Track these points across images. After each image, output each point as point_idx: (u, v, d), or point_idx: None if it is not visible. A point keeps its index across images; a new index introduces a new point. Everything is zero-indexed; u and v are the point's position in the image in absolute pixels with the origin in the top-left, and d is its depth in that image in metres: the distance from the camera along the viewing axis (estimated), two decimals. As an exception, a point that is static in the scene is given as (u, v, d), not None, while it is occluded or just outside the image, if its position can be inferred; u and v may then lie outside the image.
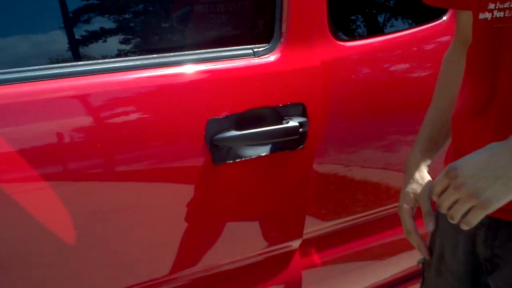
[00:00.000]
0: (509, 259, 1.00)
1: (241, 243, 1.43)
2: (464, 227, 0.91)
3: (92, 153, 1.13)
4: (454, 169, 0.90)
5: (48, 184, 1.09)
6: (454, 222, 0.93)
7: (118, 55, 1.25)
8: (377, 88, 1.50)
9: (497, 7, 0.94)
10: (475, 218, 0.90)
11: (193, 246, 1.36)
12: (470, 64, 1.05)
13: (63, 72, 1.12)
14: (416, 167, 1.13)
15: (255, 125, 1.29)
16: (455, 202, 0.91)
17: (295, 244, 1.55)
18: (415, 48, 1.61)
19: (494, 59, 0.98)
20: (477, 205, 0.89)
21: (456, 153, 1.06)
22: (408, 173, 1.15)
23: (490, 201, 0.88)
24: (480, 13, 0.98)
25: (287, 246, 1.54)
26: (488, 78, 0.99)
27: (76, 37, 1.25)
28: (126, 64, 1.19)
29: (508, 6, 0.93)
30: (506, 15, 0.93)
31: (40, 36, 1.22)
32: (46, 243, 1.14)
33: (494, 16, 0.95)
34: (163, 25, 1.36)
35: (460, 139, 1.07)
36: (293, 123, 1.32)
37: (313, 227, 1.57)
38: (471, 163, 0.89)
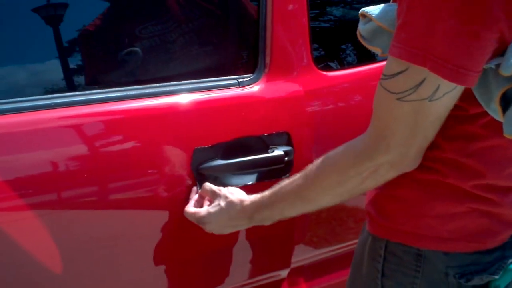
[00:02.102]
0: None
1: (228, 272, 1.42)
2: None
3: (78, 183, 1.14)
4: (203, 223, 1.19)
5: (36, 213, 1.09)
6: None
7: (104, 86, 1.26)
8: (360, 116, 1.50)
9: None
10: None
11: (181, 275, 1.36)
12: None
13: (51, 103, 1.14)
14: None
15: (241, 154, 1.31)
16: None
17: (283, 273, 1.54)
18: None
19: None
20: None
21: None
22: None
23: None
24: None
25: (275, 276, 1.53)
26: None
27: (65, 67, 1.28)
28: (112, 94, 1.21)
29: None
30: None
31: (32, 66, 1.25)
32: (34, 272, 1.14)
33: None
34: (150, 56, 1.38)
35: None
36: (278, 152, 1.34)
37: (304, 255, 1.57)
38: (216, 222, 1.18)
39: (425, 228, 0.97)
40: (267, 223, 1.14)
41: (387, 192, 1.01)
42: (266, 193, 1.11)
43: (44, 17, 1.25)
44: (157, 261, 1.29)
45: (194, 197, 1.25)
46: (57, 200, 1.13)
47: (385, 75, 0.88)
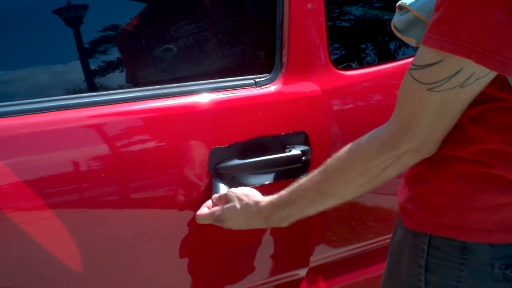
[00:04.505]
0: None
1: (247, 271, 1.43)
2: None
3: (97, 183, 1.15)
4: (221, 221, 1.20)
5: (55, 213, 1.11)
6: None
7: (121, 87, 1.27)
8: (378, 115, 1.48)
9: None
10: None
11: (199, 274, 1.37)
12: None
13: (68, 103, 1.15)
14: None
15: (258, 153, 1.31)
16: None
17: (302, 272, 1.54)
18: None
19: None
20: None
21: None
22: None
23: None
24: None
25: (294, 275, 1.53)
26: None
27: (82, 69, 1.29)
28: (130, 95, 1.22)
29: None
30: None
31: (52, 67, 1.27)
32: (57, 272, 1.15)
33: None
34: (167, 56, 1.38)
35: None
36: (295, 151, 1.33)
37: (323, 254, 1.56)
38: (233, 221, 1.19)
39: (471, 221, 0.96)
40: (285, 224, 1.14)
41: (431, 186, 1.01)
42: (284, 192, 1.11)
43: (65, 18, 1.27)
44: (176, 259, 1.30)
45: (206, 203, 1.26)
46: (78, 200, 1.14)
47: (416, 66, 0.88)
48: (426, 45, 0.85)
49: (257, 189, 1.29)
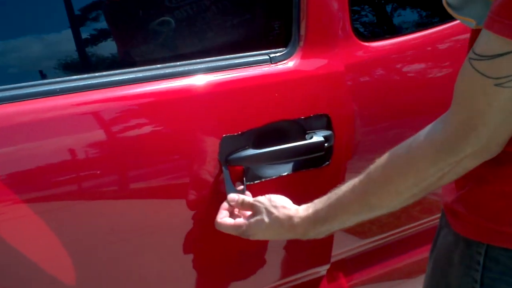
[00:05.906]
0: None
1: (262, 272, 1.33)
2: None
3: (94, 172, 1.05)
4: (247, 236, 1.10)
5: (55, 206, 1.02)
6: None
7: (122, 66, 1.15)
8: (410, 92, 1.40)
9: None
10: None
11: (211, 274, 1.29)
12: None
13: (55, 88, 1.03)
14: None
15: (275, 141, 1.20)
16: None
17: (323, 270, 1.45)
18: (448, 45, 1.49)
19: None
20: None
21: None
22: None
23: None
24: None
25: (315, 273, 1.44)
26: None
27: (82, 47, 1.19)
28: (126, 77, 1.10)
29: None
30: None
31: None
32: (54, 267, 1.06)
33: None
34: (169, 31, 1.26)
35: None
36: (317, 137, 1.22)
37: (345, 248, 1.49)
38: (261, 235, 1.09)
39: None
40: (322, 235, 1.06)
41: (489, 188, 0.91)
42: (320, 205, 1.03)
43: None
44: (187, 257, 1.21)
45: (224, 205, 1.15)
46: (78, 191, 1.04)
47: (480, 55, 0.77)
48: (492, 31, 0.75)
49: (274, 182, 1.22)
